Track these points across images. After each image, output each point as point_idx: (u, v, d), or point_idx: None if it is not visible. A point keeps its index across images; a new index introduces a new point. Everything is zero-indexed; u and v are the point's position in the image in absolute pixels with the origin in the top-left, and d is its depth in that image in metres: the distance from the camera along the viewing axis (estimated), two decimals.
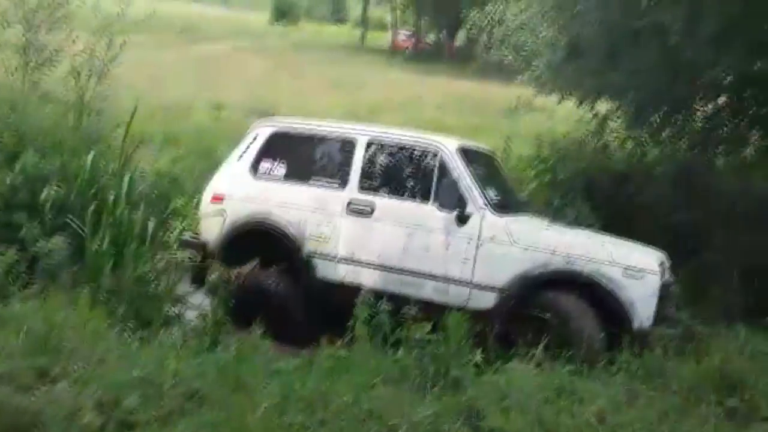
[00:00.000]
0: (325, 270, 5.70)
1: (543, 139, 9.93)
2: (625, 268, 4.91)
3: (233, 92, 16.10)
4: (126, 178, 5.68)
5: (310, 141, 6.05)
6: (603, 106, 9.07)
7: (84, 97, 7.26)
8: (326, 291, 5.69)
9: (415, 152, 5.65)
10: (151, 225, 5.63)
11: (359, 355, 4.35)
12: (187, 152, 10.23)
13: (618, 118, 8.97)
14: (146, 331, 4.71)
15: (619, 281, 4.89)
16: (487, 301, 5.16)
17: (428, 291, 5.32)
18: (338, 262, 5.67)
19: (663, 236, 7.57)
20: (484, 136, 14.22)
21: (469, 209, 5.30)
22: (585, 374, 4.30)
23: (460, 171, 5.43)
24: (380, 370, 4.07)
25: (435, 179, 5.43)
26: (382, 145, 5.75)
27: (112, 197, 5.50)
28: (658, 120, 8.00)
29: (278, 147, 6.07)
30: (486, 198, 5.41)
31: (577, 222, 8.48)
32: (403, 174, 5.72)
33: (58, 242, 5.06)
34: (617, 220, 8.15)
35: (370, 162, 5.73)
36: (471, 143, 6.28)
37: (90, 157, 5.85)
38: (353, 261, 5.61)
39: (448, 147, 5.55)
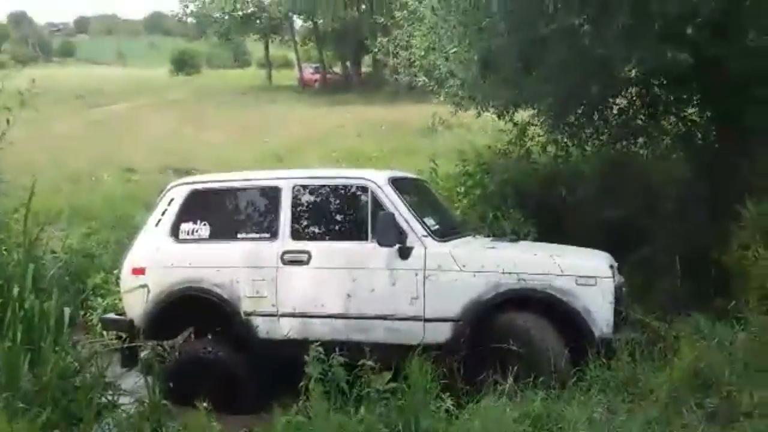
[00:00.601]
0: (267, 328, 5.33)
1: (466, 155, 9.87)
2: (578, 278, 4.75)
3: (141, 153, 15.43)
4: (30, 267, 5.13)
5: (232, 195, 5.71)
6: (522, 114, 9.07)
7: None
8: (272, 350, 5.31)
9: (345, 191, 5.40)
10: (66, 312, 5.11)
11: (318, 420, 3.99)
12: (100, 224, 9.59)
13: (537, 123, 8.97)
14: (78, 429, 4.21)
15: (573, 292, 4.72)
16: (442, 334, 4.90)
17: (380, 333, 5.03)
18: (280, 317, 5.30)
19: (598, 235, 7.55)
20: (407, 158, 14.18)
21: (410, 241, 5.04)
22: (558, 397, 4.08)
23: (395, 203, 5.16)
24: None
25: (370, 216, 5.14)
26: (308, 189, 5.45)
27: (17, 289, 4.95)
28: (577, 120, 8.01)
29: (198, 206, 5.67)
30: (426, 226, 5.18)
31: (513, 233, 8.43)
32: (336, 215, 5.44)
33: None
34: (551, 225, 8.12)
35: (298, 208, 5.41)
36: (400, 172, 6.06)
37: None
38: (296, 314, 5.26)
39: (378, 181, 5.28)
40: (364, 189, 5.24)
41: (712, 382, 3.89)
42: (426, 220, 5.28)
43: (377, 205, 5.15)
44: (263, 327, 5.34)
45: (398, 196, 5.21)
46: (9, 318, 4.79)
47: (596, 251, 5.40)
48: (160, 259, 5.57)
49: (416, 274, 4.97)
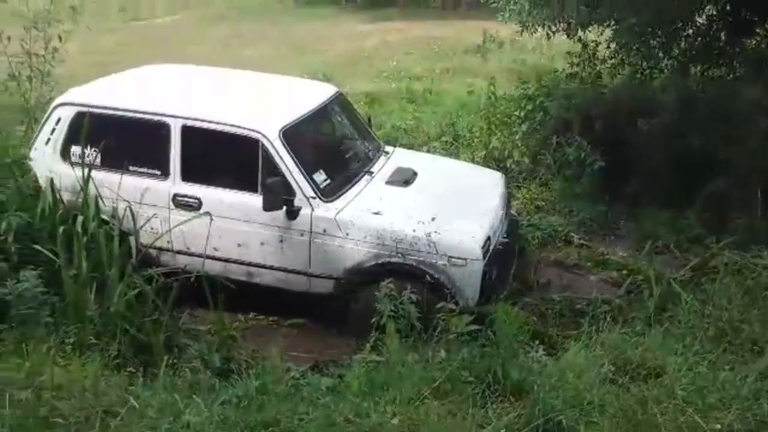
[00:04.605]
0: (166, 260, 5.30)
1: (525, 76, 9.35)
2: (450, 258, 4.81)
3: None
4: (92, 192, 5.00)
5: (121, 123, 5.31)
6: (590, 35, 8.47)
7: (29, 101, 6.48)
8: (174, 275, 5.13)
9: (236, 140, 5.05)
10: (132, 239, 4.97)
11: (395, 361, 3.81)
12: None
13: (608, 45, 8.37)
14: (149, 369, 4.13)
15: (444, 269, 4.82)
16: (326, 287, 5.08)
17: (270, 279, 5.16)
18: (176, 254, 5.28)
19: (671, 165, 7.13)
20: (459, 78, 13.69)
21: (298, 200, 4.93)
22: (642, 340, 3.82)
23: (285, 160, 4.96)
24: (425, 379, 3.54)
25: (260, 170, 4.98)
26: (199, 131, 5.12)
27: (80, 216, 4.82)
28: (656, 42, 7.43)
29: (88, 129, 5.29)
30: (314, 186, 5.01)
31: (577, 162, 8.00)
32: (228, 163, 5.19)
33: (29, 277, 4.38)
34: (620, 154, 7.69)
35: (190, 149, 5.14)
36: (304, 107, 5.53)
37: None
38: (191, 253, 5.23)
39: (269, 134, 4.98)
40: (255, 141, 4.98)
41: None
42: (318, 172, 5.11)
43: (267, 159, 4.96)
44: (162, 258, 5.30)
45: (289, 153, 4.97)
46: (74, 246, 4.69)
47: (494, 189, 5.67)
48: (55, 181, 5.21)
49: (302, 235, 4.98)
